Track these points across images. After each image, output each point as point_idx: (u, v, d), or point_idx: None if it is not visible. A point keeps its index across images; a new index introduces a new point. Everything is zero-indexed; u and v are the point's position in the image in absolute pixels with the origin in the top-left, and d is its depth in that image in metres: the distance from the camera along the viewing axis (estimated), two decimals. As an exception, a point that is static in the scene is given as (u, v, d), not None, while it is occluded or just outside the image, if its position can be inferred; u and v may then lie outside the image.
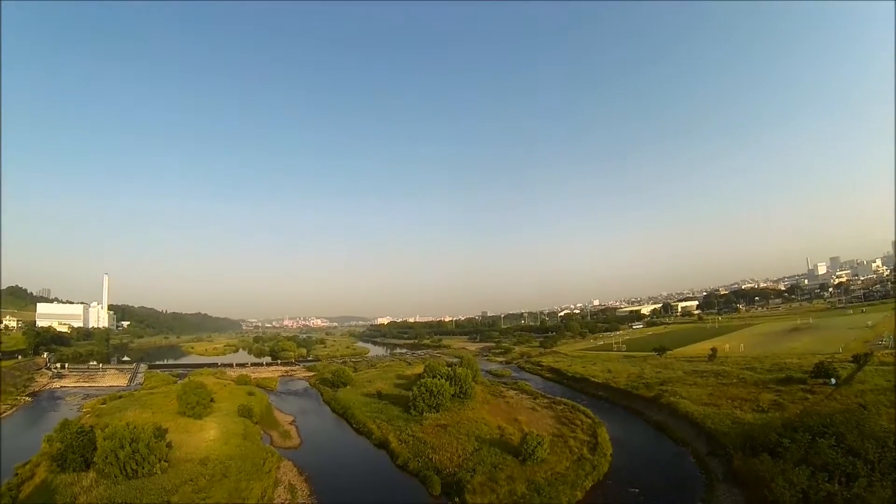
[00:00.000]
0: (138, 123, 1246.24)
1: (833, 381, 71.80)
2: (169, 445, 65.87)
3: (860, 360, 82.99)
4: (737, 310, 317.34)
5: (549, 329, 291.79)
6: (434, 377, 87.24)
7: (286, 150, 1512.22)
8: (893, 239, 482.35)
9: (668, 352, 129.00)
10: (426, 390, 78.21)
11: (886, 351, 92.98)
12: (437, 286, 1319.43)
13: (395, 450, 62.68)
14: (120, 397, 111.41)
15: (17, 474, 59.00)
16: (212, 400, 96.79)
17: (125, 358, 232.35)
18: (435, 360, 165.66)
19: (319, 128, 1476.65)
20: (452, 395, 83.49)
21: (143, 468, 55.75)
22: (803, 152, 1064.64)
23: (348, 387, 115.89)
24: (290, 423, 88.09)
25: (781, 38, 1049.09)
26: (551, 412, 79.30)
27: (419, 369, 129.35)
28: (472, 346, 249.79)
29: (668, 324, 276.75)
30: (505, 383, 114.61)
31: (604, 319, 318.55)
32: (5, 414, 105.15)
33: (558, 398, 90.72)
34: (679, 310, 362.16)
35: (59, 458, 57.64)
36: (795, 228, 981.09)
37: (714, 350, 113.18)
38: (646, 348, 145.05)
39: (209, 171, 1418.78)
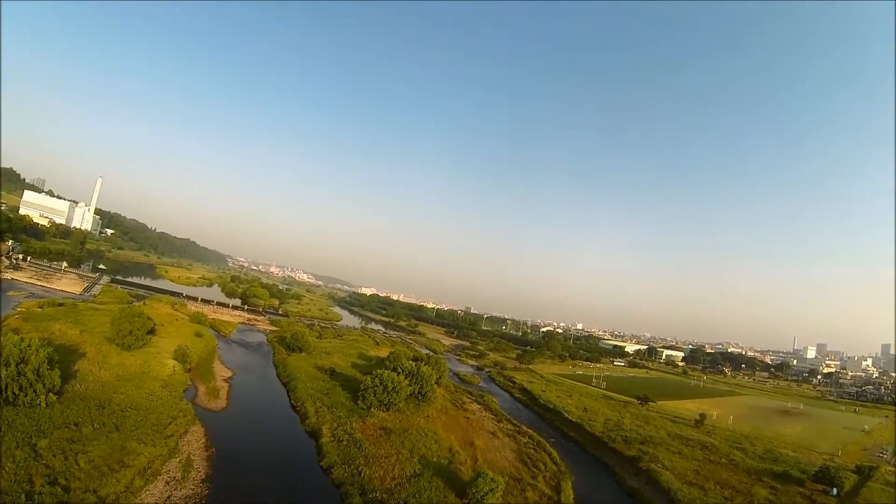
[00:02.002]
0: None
1: (835, 491, 62.81)
2: (73, 375, 57.27)
3: (864, 472, 74.22)
4: (722, 372, 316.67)
5: (528, 343, 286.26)
6: (394, 370, 78.47)
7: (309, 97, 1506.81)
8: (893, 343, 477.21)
9: (651, 403, 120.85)
10: (380, 383, 69.32)
11: (889, 468, 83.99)
12: (427, 267, 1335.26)
13: (325, 446, 53.57)
14: (61, 304, 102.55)
15: None
16: (151, 331, 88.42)
17: (101, 266, 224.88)
18: (404, 346, 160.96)
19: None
20: (409, 395, 75.00)
21: (24, 395, 46.95)
22: (805, 235, 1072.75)
23: (304, 353, 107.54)
24: (225, 380, 79.07)
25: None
26: (513, 443, 70.19)
27: (384, 352, 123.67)
28: (447, 341, 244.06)
29: (651, 369, 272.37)
30: (471, 393, 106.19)
31: (586, 347, 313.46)
32: None
33: (524, 427, 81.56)
34: (663, 357, 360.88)
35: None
36: (786, 304, 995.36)
37: (702, 416, 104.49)
38: (628, 392, 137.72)
39: (228, 102, 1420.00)
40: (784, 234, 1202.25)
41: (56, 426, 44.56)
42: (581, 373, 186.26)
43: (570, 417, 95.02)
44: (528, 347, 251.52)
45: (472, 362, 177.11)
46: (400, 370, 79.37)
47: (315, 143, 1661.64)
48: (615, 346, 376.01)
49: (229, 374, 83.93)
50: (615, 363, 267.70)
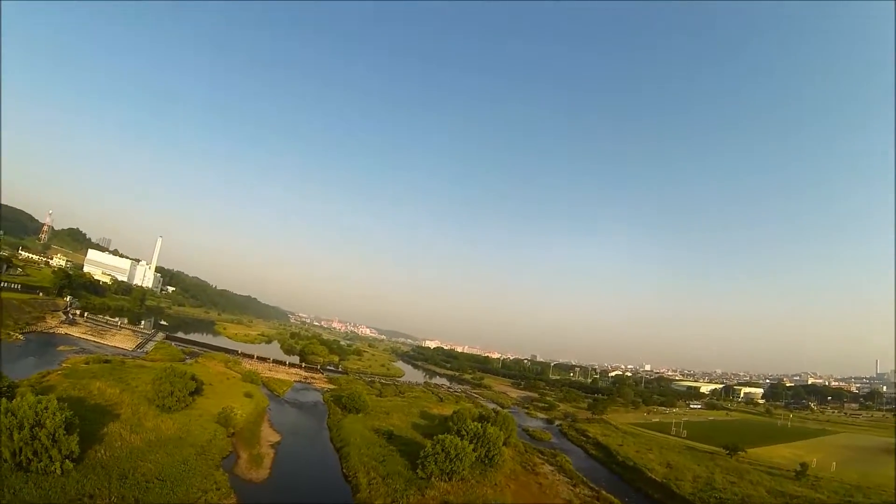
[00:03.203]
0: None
1: None
2: (99, 439, 54.62)
3: None
4: (808, 407, 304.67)
5: (598, 390, 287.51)
6: (458, 432, 73.51)
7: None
8: None
9: (741, 452, 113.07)
10: (442, 450, 63.14)
11: None
12: (490, 317, 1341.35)
13: (377, 527, 47.16)
14: (107, 361, 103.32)
15: None
16: (196, 392, 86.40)
17: (162, 322, 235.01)
18: (470, 402, 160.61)
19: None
20: (474, 461, 69.06)
21: (38, 461, 44.24)
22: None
23: (361, 414, 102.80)
24: (272, 446, 74.98)
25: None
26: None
27: (448, 410, 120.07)
28: (514, 393, 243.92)
29: (731, 410, 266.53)
30: (542, 452, 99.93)
31: (659, 391, 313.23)
32: None
33: (604, 492, 73.85)
34: (742, 395, 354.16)
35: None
36: (861, 324, 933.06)
37: (804, 466, 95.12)
38: (712, 440, 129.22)
39: (286, 164, 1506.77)
40: (857, 238, 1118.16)
41: (68, 498, 41.56)
42: (657, 420, 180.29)
43: (653, 476, 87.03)
44: (599, 395, 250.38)
45: (541, 415, 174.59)
46: (464, 433, 74.25)
47: (372, 199, 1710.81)
48: (689, 388, 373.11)
49: (277, 438, 79.92)
50: (691, 406, 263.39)
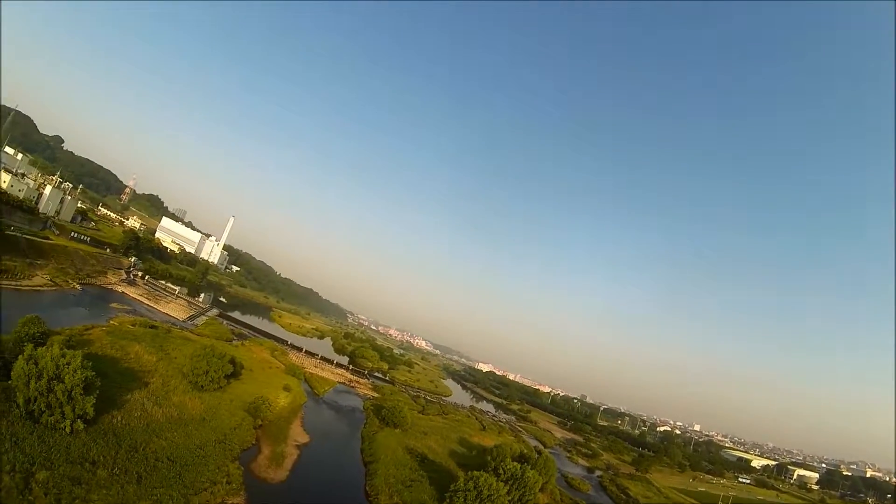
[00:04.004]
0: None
1: None
2: (119, 405, 53.95)
3: None
4: (866, 503, 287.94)
5: (646, 444, 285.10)
6: (496, 470, 71.06)
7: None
8: None
9: None
10: (474, 487, 59.25)
11: None
12: (545, 348, 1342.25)
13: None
14: (153, 327, 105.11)
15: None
16: (233, 375, 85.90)
17: (221, 299, 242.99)
18: (512, 436, 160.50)
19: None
20: None
21: (50, 414, 43.71)
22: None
23: (398, 430, 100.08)
24: (298, 447, 73.12)
25: None
26: None
27: (489, 441, 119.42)
28: (559, 433, 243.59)
29: (782, 491, 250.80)
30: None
31: (707, 457, 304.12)
32: (41, 288, 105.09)
33: None
34: (794, 477, 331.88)
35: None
36: None
37: None
38: None
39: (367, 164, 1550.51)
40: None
41: (69, 459, 40.69)
42: (703, 489, 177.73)
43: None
44: (645, 450, 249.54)
45: (583, 462, 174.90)
46: (501, 472, 71.70)
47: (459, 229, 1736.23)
48: (739, 458, 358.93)
49: (305, 439, 78.05)
50: (741, 480, 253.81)
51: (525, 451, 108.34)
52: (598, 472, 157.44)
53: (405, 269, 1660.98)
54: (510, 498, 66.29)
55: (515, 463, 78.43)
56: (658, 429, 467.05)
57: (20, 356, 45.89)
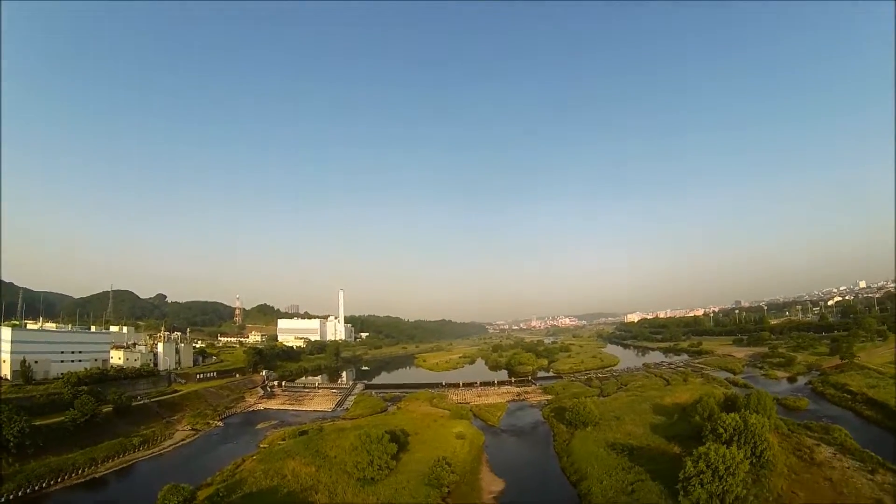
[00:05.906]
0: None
1: None
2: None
3: None
4: None
5: (830, 326, 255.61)
6: (714, 431, 62.84)
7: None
8: None
9: None
10: (706, 466, 49.07)
11: None
12: (681, 273, 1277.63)
13: None
14: (304, 433, 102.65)
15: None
16: (398, 451, 79.57)
17: (364, 368, 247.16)
18: (699, 378, 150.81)
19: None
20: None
21: None
22: None
23: (589, 427, 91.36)
24: (495, 497, 65.34)
25: None
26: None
27: (682, 396, 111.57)
28: (740, 353, 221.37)
29: None
30: (809, 428, 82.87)
31: None
32: (184, 441, 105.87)
33: None
34: None
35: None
36: None
37: None
38: None
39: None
40: None
41: None
42: None
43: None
44: (836, 331, 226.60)
45: (780, 374, 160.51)
46: (721, 430, 62.81)
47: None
48: None
49: (500, 486, 70.77)
50: None
51: (729, 394, 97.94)
52: (804, 379, 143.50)
53: (507, 259, 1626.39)
54: (746, 459, 56.35)
55: (732, 414, 67.05)
56: (828, 303, 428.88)
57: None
